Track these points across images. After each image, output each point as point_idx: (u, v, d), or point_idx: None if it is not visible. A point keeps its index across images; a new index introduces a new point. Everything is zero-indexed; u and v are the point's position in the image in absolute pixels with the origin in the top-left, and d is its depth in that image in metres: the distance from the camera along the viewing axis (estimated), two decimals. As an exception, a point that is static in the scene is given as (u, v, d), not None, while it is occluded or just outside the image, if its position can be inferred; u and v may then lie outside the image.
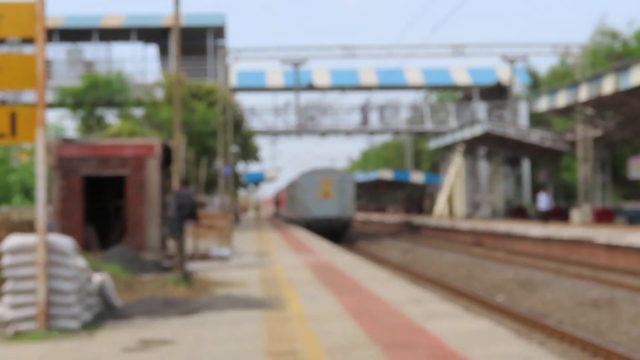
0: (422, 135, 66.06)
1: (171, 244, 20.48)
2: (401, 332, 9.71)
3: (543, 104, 35.40)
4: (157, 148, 20.87)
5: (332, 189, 44.39)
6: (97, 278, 11.61)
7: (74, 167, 20.66)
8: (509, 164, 52.27)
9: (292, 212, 50.86)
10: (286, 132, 56.73)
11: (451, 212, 59.59)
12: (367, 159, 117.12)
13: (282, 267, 19.46)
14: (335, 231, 43.38)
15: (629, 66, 27.52)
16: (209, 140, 44.11)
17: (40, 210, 9.98)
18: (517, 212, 48.55)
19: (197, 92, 45.25)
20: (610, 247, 26.90)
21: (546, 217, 37.17)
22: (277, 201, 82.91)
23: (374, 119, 56.82)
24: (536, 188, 54.41)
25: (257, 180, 78.49)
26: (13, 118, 10.16)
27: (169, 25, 47.03)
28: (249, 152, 52.76)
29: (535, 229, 33.84)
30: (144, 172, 20.66)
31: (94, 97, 42.16)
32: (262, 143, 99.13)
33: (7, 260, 9.92)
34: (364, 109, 56.02)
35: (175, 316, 11.26)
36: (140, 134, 33.72)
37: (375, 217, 75.79)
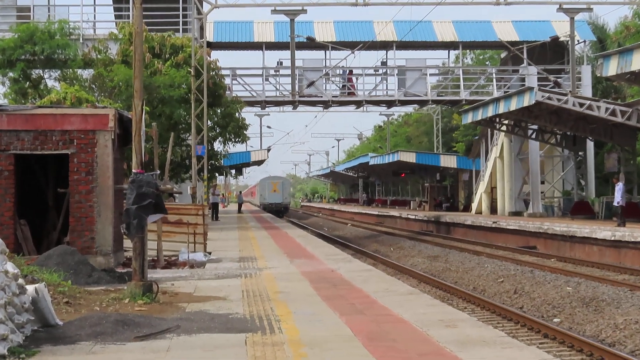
0: (454, 107, 65.88)
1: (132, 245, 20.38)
2: (429, 363, 9.63)
3: (612, 68, 35.18)
4: (111, 119, 20.74)
5: (278, 187, 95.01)
6: (31, 289, 11.51)
7: (3, 143, 20.55)
8: (567, 145, 52.11)
9: (259, 200, 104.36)
10: (278, 102, 56.52)
11: (493, 208, 59.45)
12: (383, 137, 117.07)
13: (271, 276, 19.41)
14: (280, 211, 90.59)
15: None
16: (178, 110, 43.99)
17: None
18: (579, 207, 48.40)
19: (161, 47, 45.05)
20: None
21: (624, 213, 36.92)
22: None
23: (392, 84, 56.72)
24: (604, 177, 54.28)
25: (242, 163, 78.50)
26: None
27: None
28: (234, 130, 52.72)
29: (604, 231, 33.72)
30: (93, 150, 20.56)
31: (30, 53, 42.00)
32: (247, 115, 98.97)
33: None
34: (345, 74, 55.93)
35: (131, 340, 11.18)
36: (90, 102, 33.60)
37: (394, 212, 75.78)
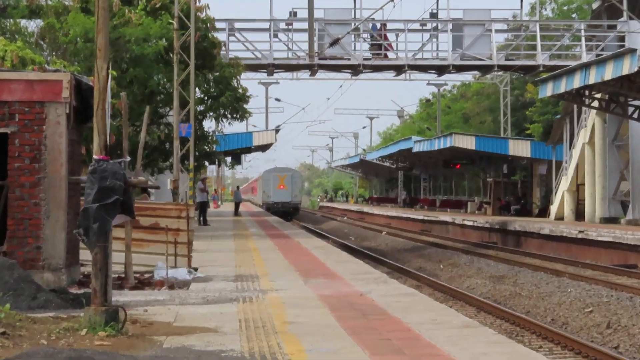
0: (528, 75, 65.78)
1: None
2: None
3: None
4: (66, 87, 20.76)
5: (286, 182, 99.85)
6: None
7: None
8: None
9: (261, 199, 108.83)
10: (290, 66, 56.56)
11: (579, 212, 59.28)
12: (432, 115, 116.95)
13: (279, 301, 19.43)
14: (288, 212, 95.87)
15: None
16: (155, 74, 43.91)
17: None
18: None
19: None
20: None
21: None
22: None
23: (444, 44, 56.64)
24: None
25: (241, 148, 78.36)
26: None
27: None
28: (230, 103, 52.75)
29: None
30: (41, 128, 20.59)
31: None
32: (248, 83, 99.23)
33: None
34: (376, 29, 55.76)
35: (90, 385, 11.20)
36: (37, 64, 33.68)
37: (445, 216, 75.74)
